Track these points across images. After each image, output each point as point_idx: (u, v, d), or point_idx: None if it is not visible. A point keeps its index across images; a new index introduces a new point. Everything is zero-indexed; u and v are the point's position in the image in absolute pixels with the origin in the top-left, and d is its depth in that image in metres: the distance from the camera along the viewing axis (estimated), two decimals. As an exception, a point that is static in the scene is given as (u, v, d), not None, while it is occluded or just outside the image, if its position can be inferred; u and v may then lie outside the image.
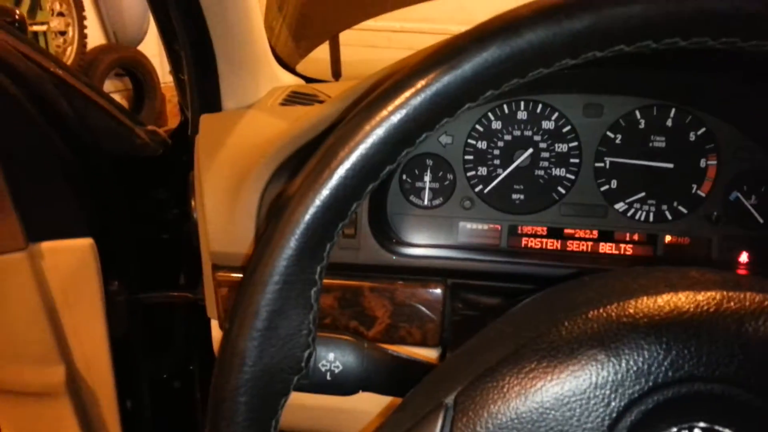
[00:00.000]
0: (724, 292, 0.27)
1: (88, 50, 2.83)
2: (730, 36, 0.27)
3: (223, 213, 0.58)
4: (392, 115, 0.30)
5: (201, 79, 0.68)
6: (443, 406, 0.29)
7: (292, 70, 0.93)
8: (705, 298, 0.27)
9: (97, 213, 0.82)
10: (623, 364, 0.27)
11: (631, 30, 0.28)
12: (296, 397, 0.33)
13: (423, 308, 0.56)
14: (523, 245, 0.63)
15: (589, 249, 0.62)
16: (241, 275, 0.59)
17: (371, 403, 0.54)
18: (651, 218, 0.61)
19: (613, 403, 0.27)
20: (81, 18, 2.80)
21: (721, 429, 0.26)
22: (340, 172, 0.30)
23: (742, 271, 0.59)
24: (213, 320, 0.63)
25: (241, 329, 0.30)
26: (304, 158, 0.56)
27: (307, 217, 0.30)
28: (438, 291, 0.56)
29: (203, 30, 0.62)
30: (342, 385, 0.39)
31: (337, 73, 1.17)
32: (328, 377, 0.39)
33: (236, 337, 0.30)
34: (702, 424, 0.26)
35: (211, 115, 0.69)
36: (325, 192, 0.30)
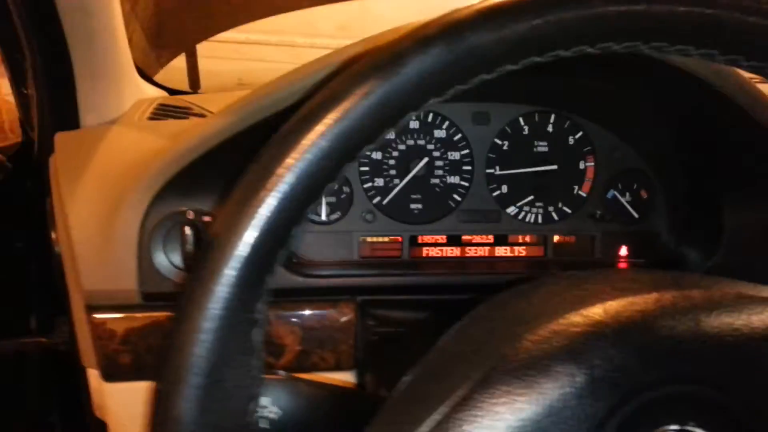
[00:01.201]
0: (676, 292, 0.28)
1: None
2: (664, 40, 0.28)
3: (96, 245, 0.51)
4: (335, 127, 0.27)
5: (54, 92, 0.59)
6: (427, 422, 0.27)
7: (151, 81, 0.85)
8: (658, 298, 0.28)
9: None
10: (597, 375, 0.26)
11: (569, 35, 0.28)
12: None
13: (335, 331, 0.53)
14: (424, 255, 0.62)
15: (486, 253, 0.63)
16: (120, 315, 0.52)
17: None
18: (540, 220, 0.64)
19: (592, 414, 0.26)
20: None
21: (692, 430, 0.26)
22: (277, 194, 0.26)
23: (622, 264, 0.64)
24: (90, 369, 0.54)
25: (176, 388, 0.25)
26: (197, 177, 0.51)
27: (242, 249, 0.26)
28: (349, 310, 0.54)
29: (59, 38, 0.53)
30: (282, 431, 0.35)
31: (195, 84, 1.10)
32: (268, 425, 0.35)
33: (169, 398, 0.25)
34: (674, 427, 0.26)
35: (68, 133, 0.60)
36: (262, 218, 0.26)
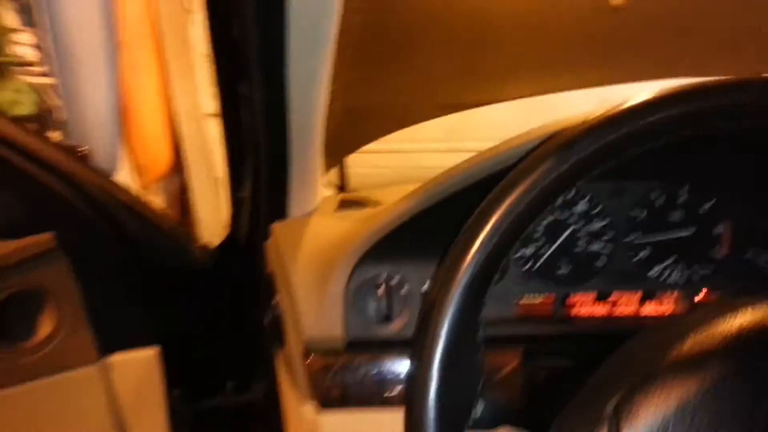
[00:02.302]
0: None
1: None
2: None
3: (314, 302, 0.66)
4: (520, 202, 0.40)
5: (272, 194, 0.78)
6: (606, 416, 0.36)
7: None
8: None
9: (160, 323, 0.87)
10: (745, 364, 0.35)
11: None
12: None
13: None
14: (573, 314, 0.71)
15: (633, 312, 0.71)
16: (331, 357, 0.66)
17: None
18: (680, 282, 0.71)
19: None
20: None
21: None
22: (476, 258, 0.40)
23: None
24: (303, 406, 0.67)
25: (426, 369, 0.37)
26: (387, 248, 0.66)
27: (465, 279, 0.39)
28: (513, 357, 0.64)
29: (283, 142, 0.72)
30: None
31: (345, 185, 1.32)
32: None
33: (419, 387, 0.37)
34: None
35: (283, 222, 0.78)
36: (479, 257, 0.40)
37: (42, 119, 3.03)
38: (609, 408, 0.36)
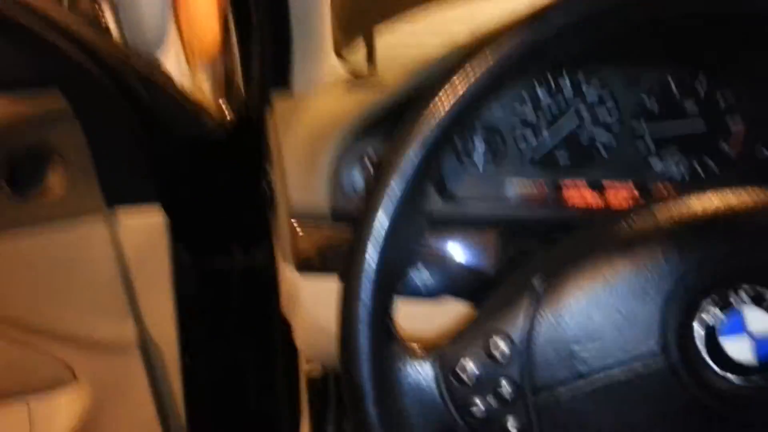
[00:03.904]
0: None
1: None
2: None
3: (303, 172, 0.67)
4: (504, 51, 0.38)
5: (276, 57, 0.77)
6: (531, 286, 0.36)
7: (338, 56, 1.02)
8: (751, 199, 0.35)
9: (168, 183, 0.91)
10: (684, 246, 0.34)
11: None
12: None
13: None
14: (566, 199, 0.69)
15: (630, 204, 0.68)
16: (313, 223, 0.67)
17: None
18: (686, 176, 0.68)
19: (675, 272, 0.34)
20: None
21: (761, 289, 0.33)
22: (451, 100, 0.38)
23: None
24: (285, 264, 0.70)
25: (368, 228, 0.38)
26: (380, 127, 0.65)
27: (422, 139, 0.38)
28: (492, 237, 0.64)
29: (284, 12, 0.70)
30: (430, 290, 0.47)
31: (371, 61, 1.28)
32: (419, 283, 0.47)
33: (364, 233, 0.38)
34: (746, 285, 0.33)
35: (284, 96, 0.78)
36: (438, 118, 0.39)
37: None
38: (536, 280, 0.36)
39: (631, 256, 0.35)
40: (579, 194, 0.69)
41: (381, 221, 0.38)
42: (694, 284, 0.35)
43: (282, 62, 0.78)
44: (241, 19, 0.88)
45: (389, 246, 0.38)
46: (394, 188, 0.38)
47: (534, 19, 0.39)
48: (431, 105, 0.40)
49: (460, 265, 0.50)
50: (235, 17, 0.87)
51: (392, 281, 0.39)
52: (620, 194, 0.69)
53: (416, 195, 0.39)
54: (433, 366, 0.38)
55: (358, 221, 0.39)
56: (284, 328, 0.78)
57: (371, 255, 0.38)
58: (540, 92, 0.69)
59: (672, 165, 0.68)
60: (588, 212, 0.67)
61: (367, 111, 0.66)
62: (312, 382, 0.92)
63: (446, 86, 0.40)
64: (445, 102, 0.40)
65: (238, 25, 0.89)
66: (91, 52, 0.83)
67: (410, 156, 0.39)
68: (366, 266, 0.38)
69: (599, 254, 0.36)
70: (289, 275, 0.68)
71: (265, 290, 0.85)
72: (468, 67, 0.40)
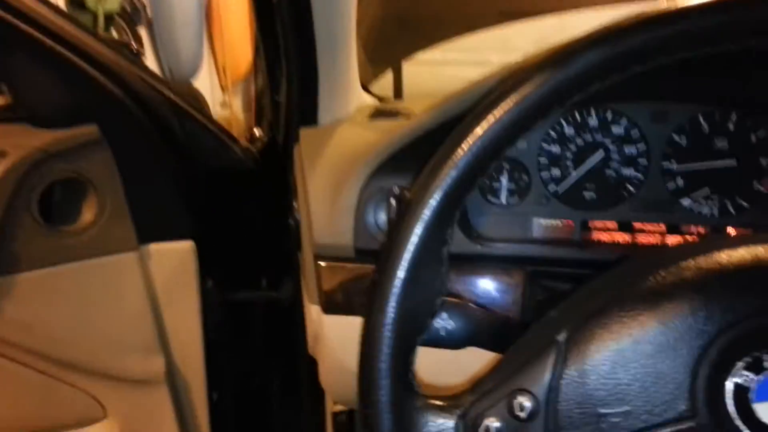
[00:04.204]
0: None
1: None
2: None
3: (327, 210, 0.67)
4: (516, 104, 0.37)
5: (302, 98, 0.78)
6: (556, 342, 0.36)
7: (366, 90, 1.03)
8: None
9: (198, 218, 0.92)
10: (714, 302, 0.33)
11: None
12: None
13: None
14: (594, 238, 0.68)
15: (658, 242, 0.67)
16: (339, 263, 0.67)
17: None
18: (716, 213, 0.66)
19: (705, 331, 0.33)
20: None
21: None
22: (473, 148, 0.38)
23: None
24: (311, 306, 0.70)
25: (388, 278, 0.37)
26: (403, 161, 0.65)
27: (444, 187, 0.38)
28: (519, 277, 0.63)
29: (311, 49, 0.71)
30: (454, 340, 0.46)
31: (398, 93, 1.28)
32: (444, 334, 0.47)
33: (384, 283, 0.38)
34: None
35: (309, 128, 0.78)
36: (460, 165, 0.38)
37: (131, 16, 3.13)
38: (561, 336, 0.36)
39: (658, 312, 0.35)
40: (608, 234, 0.68)
41: (402, 272, 0.38)
42: (726, 345, 0.34)
43: (309, 95, 0.79)
44: (269, 51, 0.89)
45: (410, 296, 0.38)
46: (415, 237, 0.38)
47: (556, 62, 0.39)
48: (453, 151, 0.40)
49: (484, 311, 0.49)
50: (263, 48, 0.88)
51: (414, 332, 0.39)
52: (650, 234, 0.67)
53: (438, 243, 0.39)
54: (457, 425, 0.38)
55: (378, 270, 0.39)
56: (310, 366, 0.78)
57: (392, 307, 0.38)
58: (566, 128, 0.69)
59: (702, 203, 0.66)
60: (617, 252, 0.66)
61: (392, 145, 0.67)
62: (338, 420, 0.92)
63: (469, 132, 0.40)
64: (466, 148, 0.40)
65: (267, 56, 0.90)
66: (126, 85, 0.85)
67: (432, 204, 0.39)
68: (387, 319, 0.38)
69: (625, 309, 0.36)
70: (314, 314, 0.68)
71: (292, 326, 0.86)
72: (491, 114, 0.40)
